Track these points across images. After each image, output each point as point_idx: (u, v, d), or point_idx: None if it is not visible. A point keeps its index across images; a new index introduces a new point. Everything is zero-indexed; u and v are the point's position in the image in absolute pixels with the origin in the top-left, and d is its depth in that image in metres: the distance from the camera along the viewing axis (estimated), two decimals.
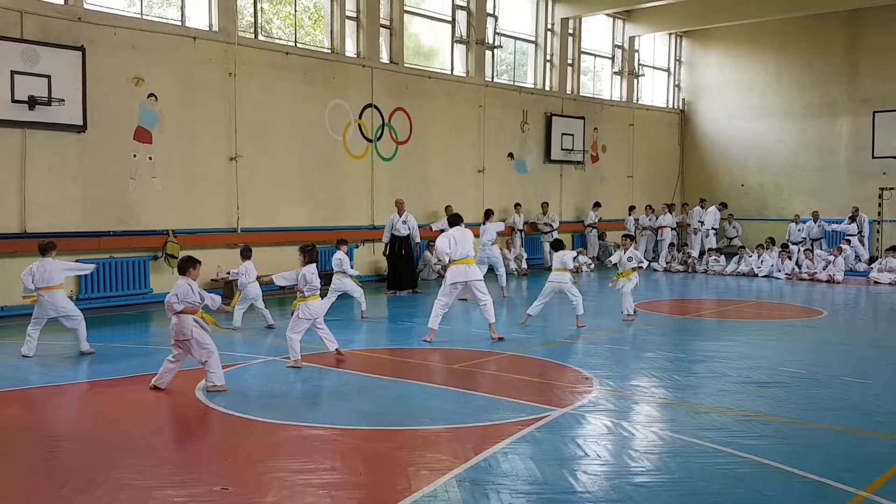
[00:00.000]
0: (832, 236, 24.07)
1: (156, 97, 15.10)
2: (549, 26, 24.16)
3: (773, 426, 7.28)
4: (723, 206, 25.00)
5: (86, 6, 14.30)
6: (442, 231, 19.74)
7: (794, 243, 23.39)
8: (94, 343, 10.79)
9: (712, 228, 24.13)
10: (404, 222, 16.88)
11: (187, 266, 8.71)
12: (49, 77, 13.39)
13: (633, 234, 23.23)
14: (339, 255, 13.46)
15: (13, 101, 13.10)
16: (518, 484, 5.76)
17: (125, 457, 6.39)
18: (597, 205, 24.47)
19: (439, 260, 19.62)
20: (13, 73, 13.07)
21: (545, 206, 23.02)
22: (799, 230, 24.07)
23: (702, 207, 24.91)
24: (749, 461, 6.25)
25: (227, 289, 15.11)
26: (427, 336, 11.51)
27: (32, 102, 13.22)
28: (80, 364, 10.01)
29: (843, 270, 19.99)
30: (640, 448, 6.65)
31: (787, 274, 20.57)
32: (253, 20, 16.97)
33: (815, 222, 24.13)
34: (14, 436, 7.01)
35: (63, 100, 13.54)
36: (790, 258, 21.13)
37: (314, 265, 10.00)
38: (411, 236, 17.02)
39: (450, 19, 21.27)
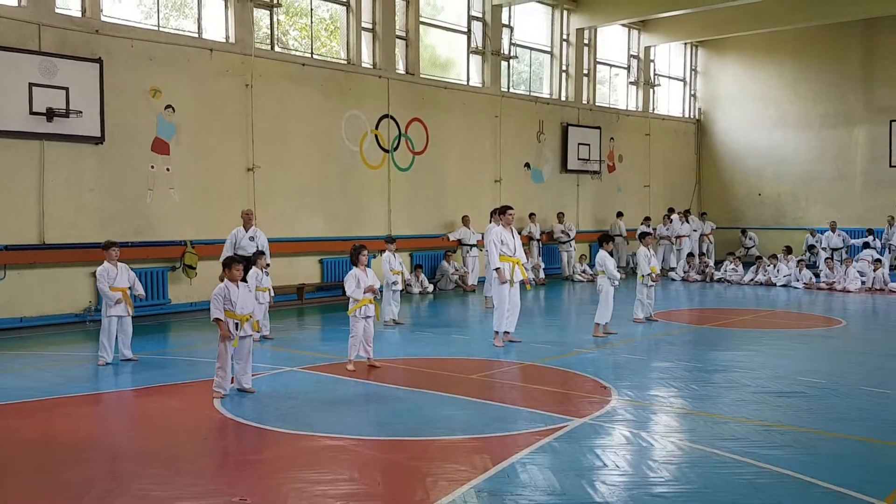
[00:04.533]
0: (856, 247, 23.89)
1: (173, 109, 15.19)
2: (565, 37, 24.16)
3: (792, 436, 7.22)
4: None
5: (103, 19, 14.42)
6: (459, 241, 19.93)
7: (809, 250, 23.46)
8: (113, 354, 10.83)
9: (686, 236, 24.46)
10: (252, 239, 13.01)
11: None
12: (67, 89, 13.51)
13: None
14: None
15: (31, 112, 13.21)
16: (536, 494, 5.73)
17: (144, 467, 6.41)
18: (619, 214, 24.53)
19: (456, 270, 19.78)
20: (31, 85, 13.19)
21: (560, 215, 23.01)
22: (819, 244, 23.97)
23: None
24: (768, 472, 6.21)
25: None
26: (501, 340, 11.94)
27: (50, 114, 13.32)
28: (99, 375, 10.05)
29: (857, 279, 19.86)
30: (658, 458, 6.61)
31: (805, 283, 20.46)
32: (269, 32, 17.05)
33: (833, 232, 23.99)
34: (33, 447, 7.03)
35: (81, 112, 13.64)
36: (808, 267, 21.05)
37: None
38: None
39: (465, 30, 21.32)
